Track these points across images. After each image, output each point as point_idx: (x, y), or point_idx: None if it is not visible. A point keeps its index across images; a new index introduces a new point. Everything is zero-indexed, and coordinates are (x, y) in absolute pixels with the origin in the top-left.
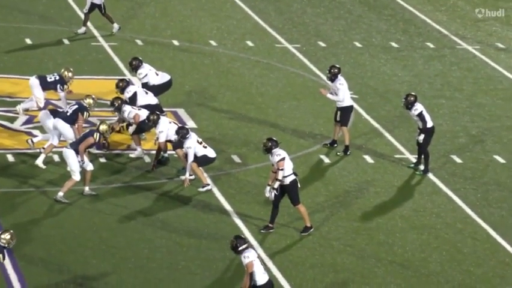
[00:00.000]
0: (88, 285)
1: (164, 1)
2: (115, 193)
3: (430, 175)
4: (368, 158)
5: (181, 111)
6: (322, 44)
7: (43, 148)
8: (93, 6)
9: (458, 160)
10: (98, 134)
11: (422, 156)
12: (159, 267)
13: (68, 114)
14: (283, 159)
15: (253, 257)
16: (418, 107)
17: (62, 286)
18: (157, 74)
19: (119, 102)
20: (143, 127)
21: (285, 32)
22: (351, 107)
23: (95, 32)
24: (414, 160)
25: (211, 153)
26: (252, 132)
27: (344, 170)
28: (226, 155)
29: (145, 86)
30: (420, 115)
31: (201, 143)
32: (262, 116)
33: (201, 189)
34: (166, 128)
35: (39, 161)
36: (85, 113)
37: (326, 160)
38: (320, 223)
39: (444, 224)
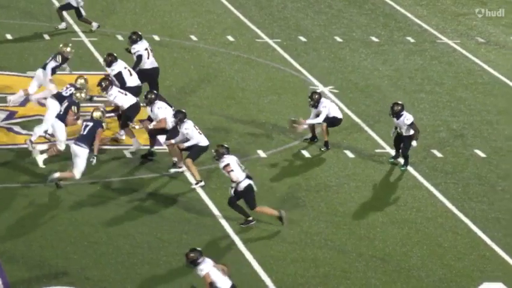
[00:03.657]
0: (69, 280)
1: None
2: (96, 189)
3: (411, 169)
4: (349, 153)
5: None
6: (302, 39)
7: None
8: (69, 5)
9: (439, 154)
10: (104, 124)
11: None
12: (140, 262)
13: (61, 113)
14: (227, 165)
15: (209, 267)
16: (409, 116)
17: (43, 282)
18: (130, 74)
19: (107, 82)
20: (130, 115)
21: (265, 27)
22: (339, 120)
23: (76, 28)
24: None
25: (204, 141)
26: (232, 128)
27: (324, 164)
28: (207, 150)
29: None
30: (412, 125)
31: (196, 128)
32: (242, 111)
33: (194, 186)
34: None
35: (40, 160)
36: (74, 107)
37: (307, 155)
38: (300, 218)
39: (424, 218)
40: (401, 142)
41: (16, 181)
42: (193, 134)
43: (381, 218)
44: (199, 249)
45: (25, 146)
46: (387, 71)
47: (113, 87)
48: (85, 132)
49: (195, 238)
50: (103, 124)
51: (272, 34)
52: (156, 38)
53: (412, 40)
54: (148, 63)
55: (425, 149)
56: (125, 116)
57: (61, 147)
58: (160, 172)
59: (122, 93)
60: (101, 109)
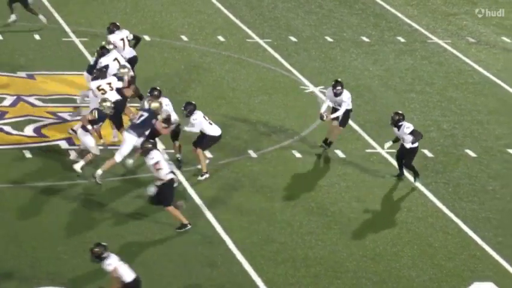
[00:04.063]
0: (60, 281)
1: None
2: (87, 189)
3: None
4: (340, 153)
5: None
6: (293, 39)
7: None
8: None
9: (429, 154)
10: (159, 116)
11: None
12: (131, 263)
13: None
14: (157, 162)
15: (116, 262)
16: (408, 125)
17: (34, 282)
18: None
19: (98, 73)
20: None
21: (256, 27)
22: (350, 110)
23: (66, 28)
24: (386, 155)
25: (217, 130)
26: (223, 127)
27: (315, 164)
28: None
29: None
30: (412, 133)
31: (206, 119)
32: (233, 111)
33: (200, 178)
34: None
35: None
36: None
37: (297, 155)
38: (291, 218)
39: (415, 218)
40: (403, 157)
41: (6, 181)
42: (204, 126)
43: (372, 218)
44: (104, 243)
45: (17, 146)
46: (377, 71)
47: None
48: (138, 121)
49: (186, 238)
50: (158, 116)
51: (263, 34)
52: (147, 38)
53: (403, 40)
54: (125, 53)
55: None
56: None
57: (96, 151)
58: (149, 172)
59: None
60: (159, 100)
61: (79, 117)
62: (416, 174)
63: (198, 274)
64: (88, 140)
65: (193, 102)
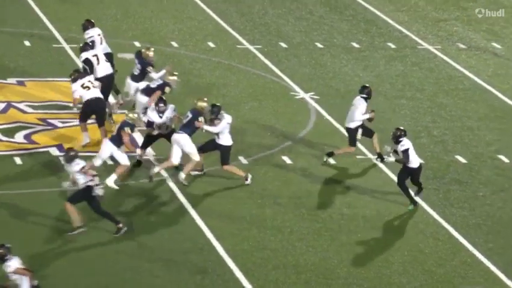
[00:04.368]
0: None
1: (126, 3)
2: None
3: (392, 176)
4: (330, 159)
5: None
6: (283, 45)
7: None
8: None
9: (420, 160)
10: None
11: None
12: (122, 269)
13: (115, 134)
14: (83, 167)
15: (17, 264)
16: (405, 143)
17: None
18: (98, 63)
19: (76, 74)
20: (85, 111)
21: (246, 33)
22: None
23: (57, 34)
24: (376, 160)
25: (230, 140)
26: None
27: (305, 170)
28: (188, 157)
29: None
30: (405, 152)
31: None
32: None
33: (247, 182)
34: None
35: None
36: (127, 128)
37: (288, 161)
38: (282, 224)
39: (406, 224)
40: (406, 178)
41: None
42: (224, 128)
43: (363, 224)
44: (8, 245)
45: (7, 153)
46: (368, 77)
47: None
48: (185, 121)
49: (177, 244)
50: (202, 117)
51: (253, 40)
52: (137, 44)
53: (393, 46)
54: (102, 48)
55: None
56: (84, 113)
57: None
58: (140, 179)
59: (86, 87)
60: (206, 99)
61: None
62: (419, 189)
63: (188, 281)
64: (118, 152)
65: (219, 105)
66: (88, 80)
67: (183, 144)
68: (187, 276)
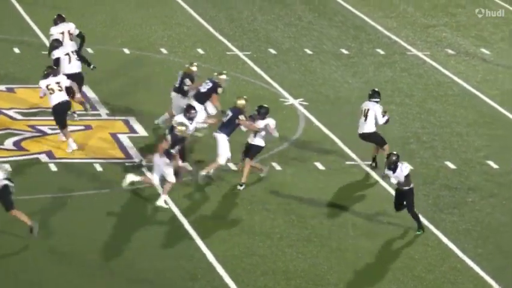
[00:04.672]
0: None
1: (115, 9)
2: (65, 201)
3: (381, 182)
4: (319, 165)
5: (132, 120)
6: (273, 51)
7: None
8: None
9: (409, 166)
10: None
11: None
12: (110, 275)
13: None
14: None
15: None
16: (406, 165)
17: None
18: (69, 61)
19: (49, 70)
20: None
21: (235, 39)
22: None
23: (46, 41)
24: (366, 168)
25: (263, 142)
26: (203, 140)
27: (295, 176)
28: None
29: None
30: (408, 176)
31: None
32: (212, 124)
33: (240, 188)
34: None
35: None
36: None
37: (278, 167)
38: (271, 230)
39: (395, 230)
40: (402, 201)
41: None
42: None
43: (352, 231)
44: None
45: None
46: (357, 83)
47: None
48: (224, 121)
49: (167, 251)
50: (243, 114)
51: (242, 46)
52: (126, 51)
53: (382, 52)
54: (69, 45)
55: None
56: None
57: (172, 179)
58: (130, 185)
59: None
60: (245, 97)
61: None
62: (420, 225)
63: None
64: (167, 168)
65: (267, 106)
66: (55, 81)
67: (219, 144)
68: (177, 282)
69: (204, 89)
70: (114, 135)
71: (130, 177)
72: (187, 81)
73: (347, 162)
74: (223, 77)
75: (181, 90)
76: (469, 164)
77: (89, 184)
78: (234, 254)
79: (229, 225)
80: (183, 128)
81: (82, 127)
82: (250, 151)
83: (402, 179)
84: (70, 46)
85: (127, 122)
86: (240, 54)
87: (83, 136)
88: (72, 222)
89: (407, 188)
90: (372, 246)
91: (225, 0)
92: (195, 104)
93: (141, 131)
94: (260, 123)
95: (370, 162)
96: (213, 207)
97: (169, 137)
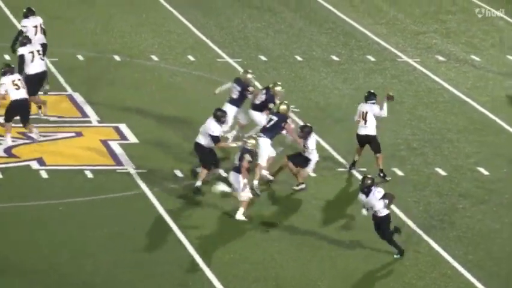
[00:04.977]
0: None
1: (105, 17)
2: (56, 208)
3: (373, 188)
4: (310, 172)
5: (123, 127)
6: (263, 58)
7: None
8: None
9: (400, 173)
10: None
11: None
12: (103, 282)
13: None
14: None
15: None
16: (380, 189)
17: None
18: (32, 60)
19: (7, 68)
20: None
21: (226, 47)
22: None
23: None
24: (357, 174)
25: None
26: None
27: (285, 183)
28: (169, 170)
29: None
30: (386, 195)
31: None
32: None
33: (296, 188)
34: None
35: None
36: (247, 155)
37: (269, 175)
38: (262, 237)
39: None
40: (379, 227)
41: None
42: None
43: (343, 237)
44: None
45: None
46: (347, 90)
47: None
48: (268, 125)
49: (157, 257)
50: (288, 120)
51: (233, 54)
52: (117, 58)
53: (372, 59)
54: (36, 39)
55: (386, 167)
56: (8, 112)
57: (262, 162)
58: (120, 192)
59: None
60: (287, 102)
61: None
62: (399, 250)
63: None
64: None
65: (310, 125)
66: (18, 78)
67: (261, 147)
68: None
69: (258, 101)
70: (105, 142)
71: (222, 187)
72: (251, 89)
73: (338, 169)
74: (279, 88)
75: (236, 101)
76: (460, 171)
77: (80, 191)
78: (225, 260)
79: (220, 232)
80: (254, 141)
81: (73, 134)
82: (302, 162)
83: (373, 203)
84: (37, 44)
85: (117, 129)
86: (231, 61)
87: (74, 143)
88: (63, 229)
89: (381, 214)
90: (363, 252)
91: (215, 7)
92: (254, 114)
93: (132, 138)
94: (310, 144)
95: (361, 169)
96: (204, 214)
97: (248, 156)
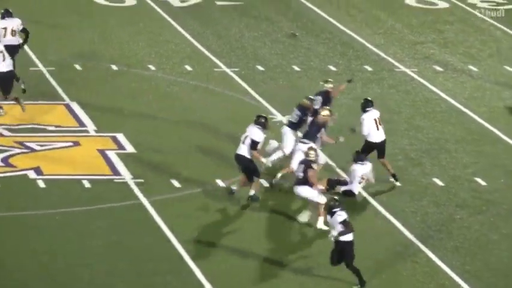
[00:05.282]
0: None
1: (103, 26)
2: (53, 218)
3: (369, 198)
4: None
5: (120, 136)
6: (260, 68)
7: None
8: None
9: (397, 183)
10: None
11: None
12: None
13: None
14: None
15: None
16: (342, 213)
17: None
18: (3, 59)
19: None
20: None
21: (223, 56)
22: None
23: (34, 57)
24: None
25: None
26: (191, 157)
27: (281, 194)
28: (166, 180)
29: None
30: (345, 225)
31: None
32: (201, 141)
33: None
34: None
35: (320, 225)
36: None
37: (266, 184)
38: (260, 247)
39: (383, 247)
40: (340, 253)
41: None
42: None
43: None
44: None
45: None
46: (345, 100)
47: None
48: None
49: (154, 267)
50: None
51: (230, 63)
52: (114, 67)
53: (370, 69)
54: (5, 40)
55: (383, 178)
56: None
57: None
58: (117, 202)
59: None
60: (328, 107)
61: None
62: (361, 281)
63: None
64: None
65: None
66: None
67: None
68: None
69: (293, 119)
70: (102, 152)
71: (307, 215)
72: (319, 98)
73: (334, 178)
74: (326, 112)
75: (294, 125)
76: (457, 181)
77: (77, 201)
78: (221, 269)
79: (217, 242)
80: (313, 152)
81: (70, 143)
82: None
83: (335, 226)
84: (2, 45)
85: (115, 139)
86: (228, 70)
87: (71, 152)
88: (60, 238)
89: (344, 239)
90: (360, 263)
91: (212, 16)
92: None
93: (129, 148)
94: (366, 168)
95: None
96: (201, 224)
97: (315, 166)
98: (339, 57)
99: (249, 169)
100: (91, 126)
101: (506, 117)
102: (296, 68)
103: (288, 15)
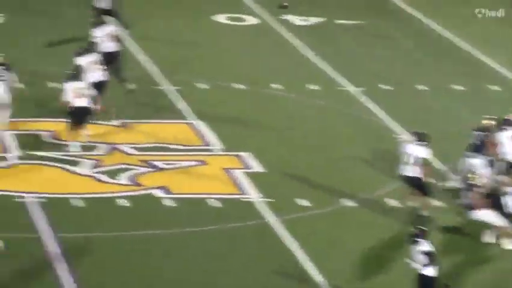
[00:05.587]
0: None
1: (224, 45)
2: (181, 237)
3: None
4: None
5: (247, 155)
6: (384, 87)
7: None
8: None
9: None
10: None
11: None
12: None
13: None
14: None
15: None
16: (424, 244)
17: None
18: None
19: None
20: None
21: (346, 75)
22: None
23: (160, 76)
24: None
25: None
26: (318, 176)
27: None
28: (295, 199)
29: None
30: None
31: None
32: (327, 161)
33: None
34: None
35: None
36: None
37: (393, 203)
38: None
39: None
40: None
41: (102, 230)
42: None
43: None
44: None
45: (110, 195)
46: (476, 119)
47: None
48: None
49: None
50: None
51: (354, 82)
52: (238, 86)
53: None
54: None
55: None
56: None
57: (504, 223)
58: (245, 221)
59: None
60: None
61: None
62: None
63: None
64: (489, 216)
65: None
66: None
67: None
68: None
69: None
70: (228, 171)
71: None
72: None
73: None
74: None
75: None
76: None
77: (205, 220)
78: None
79: (351, 263)
80: (477, 178)
81: (197, 163)
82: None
83: (414, 254)
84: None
85: (241, 158)
86: (351, 89)
87: (197, 171)
88: (188, 258)
89: (423, 272)
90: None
91: (332, 35)
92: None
93: (256, 167)
94: None
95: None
96: (333, 244)
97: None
98: (464, 76)
99: (421, 187)
100: (216, 145)
101: None
102: (421, 87)
103: (408, 34)
